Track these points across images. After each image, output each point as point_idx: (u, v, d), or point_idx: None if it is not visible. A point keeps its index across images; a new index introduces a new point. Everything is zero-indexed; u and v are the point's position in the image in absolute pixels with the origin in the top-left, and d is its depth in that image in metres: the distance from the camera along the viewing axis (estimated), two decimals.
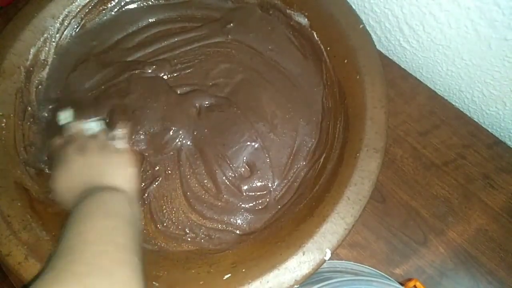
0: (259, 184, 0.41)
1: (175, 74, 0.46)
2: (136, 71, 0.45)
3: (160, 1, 0.51)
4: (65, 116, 0.41)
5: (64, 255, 0.27)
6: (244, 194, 0.41)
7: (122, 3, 0.50)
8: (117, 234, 0.29)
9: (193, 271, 0.35)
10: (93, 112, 0.42)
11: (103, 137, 0.38)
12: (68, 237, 0.28)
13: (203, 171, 0.42)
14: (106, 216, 0.30)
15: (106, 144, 0.37)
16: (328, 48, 0.45)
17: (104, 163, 0.36)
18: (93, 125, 0.39)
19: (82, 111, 0.42)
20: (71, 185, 0.35)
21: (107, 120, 0.42)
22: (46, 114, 0.45)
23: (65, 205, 0.35)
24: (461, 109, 0.52)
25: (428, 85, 0.53)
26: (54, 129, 0.42)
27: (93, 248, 0.27)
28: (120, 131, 0.39)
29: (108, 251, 0.27)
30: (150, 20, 0.50)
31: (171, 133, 0.42)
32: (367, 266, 0.41)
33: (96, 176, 0.34)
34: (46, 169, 0.42)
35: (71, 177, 0.35)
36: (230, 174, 0.41)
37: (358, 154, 0.36)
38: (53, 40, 0.47)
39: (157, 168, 0.42)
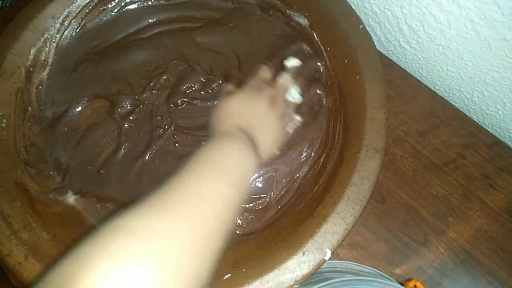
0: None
1: None
2: None
3: (160, 1, 0.51)
4: (293, 62, 0.44)
5: (167, 197, 0.25)
6: None
7: (122, 4, 0.50)
8: (228, 207, 0.28)
9: None
10: (305, 85, 0.43)
11: (290, 110, 0.40)
12: (184, 173, 0.27)
13: None
14: (228, 182, 0.29)
15: (288, 116, 0.39)
16: (328, 49, 0.45)
17: (273, 128, 0.37)
18: (297, 95, 0.41)
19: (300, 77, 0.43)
20: (240, 110, 0.36)
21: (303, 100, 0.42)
22: (51, 114, 0.44)
23: (216, 119, 0.37)
24: (461, 109, 0.52)
25: (428, 85, 0.53)
26: (56, 127, 0.43)
27: (192, 210, 0.25)
28: (301, 122, 0.41)
29: (218, 221, 0.26)
30: (150, 20, 0.50)
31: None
32: (367, 266, 0.41)
33: (258, 130, 0.35)
34: (47, 169, 0.42)
35: (244, 110, 0.37)
36: None
37: (358, 154, 0.36)
38: (54, 40, 0.47)
39: None
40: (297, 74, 0.43)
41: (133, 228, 0.22)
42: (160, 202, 0.25)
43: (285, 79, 0.41)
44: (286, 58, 0.44)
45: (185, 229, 0.23)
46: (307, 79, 0.43)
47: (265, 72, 0.42)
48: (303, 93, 0.42)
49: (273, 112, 0.37)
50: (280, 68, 0.43)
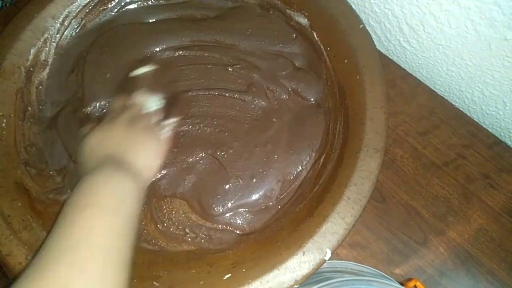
0: None
1: None
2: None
3: (160, 1, 0.51)
4: (144, 70, 0.43)
5: (54, 246, 0.26)
6: None
7: (122, 3, 0.50)
8: (124, 236, 0.29)
9: (193, 271, 0.35)
10: (161, 90, 0.42)
11: (153, 119, 0.39)
12: (72, 222, 0.28)
13: None
14: (118, 211, 0.29)
15: (152, 128, 0.38)
16: (328, 48, 0.45)
17: (139, 144, 0.36)
18: (153, 105, 0.40)
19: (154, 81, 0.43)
20: (101, 144, 0.36)
21: (165, 103, 0.42)
22: (49, 114, 0.44)
23: (82, 162, 0.36)
24: (461, 109, 0.52)
25: (428, 85, 0.53)
26: (56, 127, 0.43)
27: (83, 250, 0.26)
28: (171, 124, 0.40)
29: (97, 254, 0.26)
30: (150, 20, 0.50)
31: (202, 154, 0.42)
32: (367, 266, 0.41)
33: (125, 151, 0.35)
34: (47, 169, 0.42)
35: (105, 139, 0.36)
36: None
37: (358, 154, 0.36)
38: (54, 40, 0.47)
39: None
40: (150, 82, 0.42)
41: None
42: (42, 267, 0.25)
43: (138, 95, 0.41)
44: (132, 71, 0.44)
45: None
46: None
47: (117, 102, 0.41)
48: None
49: (134, 129, 0.37)
50: (131, 90, 0.42)
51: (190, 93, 0.44)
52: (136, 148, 0.36)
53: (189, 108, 0.43)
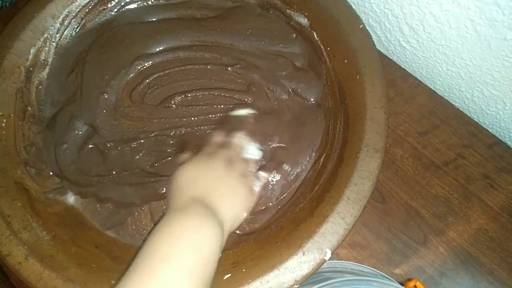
0: None
1: None
2: None
3: (160, 1, 0.51)
4: (245, 112, 0.42)
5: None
6: None
7: (122, 3, 0.50)
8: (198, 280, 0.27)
9: None
10: (259, 139, 0.40)
11: (251, 168, 0.37)
12: (135, 272, 0.27)
13: None
14: (196, 259, 0.27)
15: (249, 176, 0.36)
16: (328, 48, 0.45)
17: (233, 190, 0.34)
18: (255, 152, 0.38)
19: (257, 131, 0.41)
20: (195, 182, 0.33)
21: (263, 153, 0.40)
22: (49, 114, 0.44)
23: (172, 194, 0.33)
24: (461, 109, 0.52)
25: (428, 85, 0.53)
26: (56, 127, 0.43)
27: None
28: (268, 178, 0.38)
29: None
30: (150, 20, 0.50)
31: None
32: (367, 266, 0.41)
33: (217, 198, 0.32)
34: (47, 170, 0.42)
35: (201, 177, 0.34)
36: None
37: (358, 154, 0.36)
38: (53, 40, 0.47)
39: None
40: (252, 128, 0.40)
41: None
42: None
43: (238, 137, 0.39)
44: (232, 110, 0.43)
45: None
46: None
47: (216, 136, 0.39)
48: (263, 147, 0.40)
49: (232, 174, 0.35)
50: (232, 129, 0.40)
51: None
52: (230, 196, 0.34)
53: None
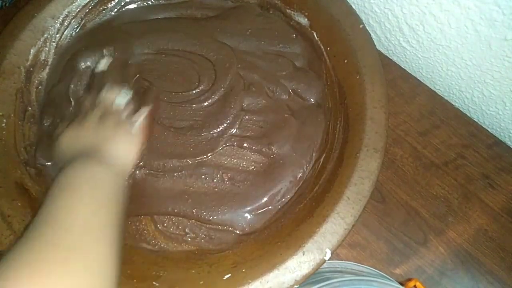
0: None
1: None
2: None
3: (160, 1, 0.51)
4: (105, 63, 0.44)
5: (45, 228, 0.28)
6: None
7: (122, 3, 0.50)
8: (103, 213, 0.30)
9: (193, 271, 0.35)
10: (127, 82, 0.42)
11: (124, 113, 0.39)
12: (53, 205, 0.30)
13: None
14: (94, 190, 0.31)
15: (123, 123, 0.39)
16: (328, 48, 0.45)
17: (110, 139, 0.37)
18: (122, 100, 0.40)
19: (118, 74, 0.43)
20: (74, 142, 0.37)
21: (133, 94, 0.42)
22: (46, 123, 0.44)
23: (59, 159, 0.37)
24: (461, 109, 0.52)
25: (428, 85, 0.53)
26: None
27: (76, 229, 0.28)
28: (142, 116, 0.40)
29: (91, 233, 0.28)
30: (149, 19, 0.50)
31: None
32: (367, 266, 0.41)
33: (99, 145, 0.36)
34: (47, 167, 0.42)
35: (78, 138, 0.37)
36: None
37: (358, 154, 0.36)
38: (53, 40, 0.47)
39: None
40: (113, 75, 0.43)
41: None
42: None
43: (103, 93, 0.40)
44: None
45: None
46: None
47: (86, 100, 0.41)
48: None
49: (105, 127, 0.37)
50: (98, 85, 0.42)
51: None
52: (107, 144, 0.36)
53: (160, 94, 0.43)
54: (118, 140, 0.37)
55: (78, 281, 0.25)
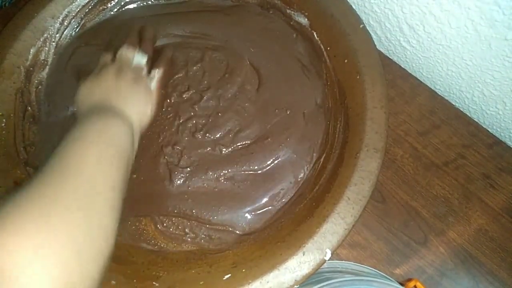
0: None
1: None
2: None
3: (160, 1, 0.51)
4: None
5: (52, 182, 0.26)
6: None
7: (122, 3, 0.50)
8: (111, 174, 0.29)
9: (193, 271, 0.35)
10: (147, 45, 0.43)
11: (142, 71, 0.40)
12: (64, 156, 0.29)
13: None
14: (106, 145, 0.31)
15: (141, 78, 0.39)
16: (328, 48, 0.44)
17: (128, 92, 0.37)
18: (140, 58, 0.41)
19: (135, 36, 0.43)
20: (92, 93, 0.37)
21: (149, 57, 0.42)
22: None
23: (76, 112, 0.37)
24: (462, 109, 0.52)
25: (428, 85, 0.53)
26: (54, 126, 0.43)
27: (81, 190, 0.27)
28: (158, 75, 0.41)
29: (96, 196, 0.27)
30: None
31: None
32: (367, 266, 0.41)
33: (116, 99, 0.36)
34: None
35: (96, 88, 0.37)
36: None
37: (358, 154, 0.36)
38: (53, 40, 0.47)
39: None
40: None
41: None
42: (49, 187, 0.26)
43: (122, 52, 0.41)
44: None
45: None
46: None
47: (105, 56, 0.42)
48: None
49: (125, 79, 0.38)
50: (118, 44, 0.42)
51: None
52: (125, 96, 0.37)
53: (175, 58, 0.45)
54: (137, 93, 0.38)
55: (74, 242, 0.24)
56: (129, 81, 0.38)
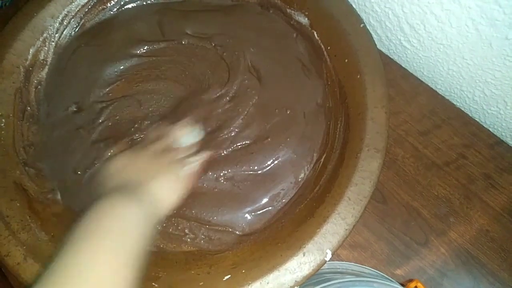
0: None
1: None
2: None
3: (160, 0, 0.51)
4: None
5: (62, 277, 0.26)
6: None
7: (122, 3, 0.50)
8: (123, 272, 0.28)
9: (192, 272, 0.35)
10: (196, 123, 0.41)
11: (180, 154, 0.38)
12: (75, 250, 0.28)
13: None
14: (121, 238, 0.29)
15: (176, 163, 0.37)
16: (329, 48, 0.44)
17: (158, 176, 0.36)
18: (189, 139, 0.39)
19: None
20: (123, 170, 0.36)
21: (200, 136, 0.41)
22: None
23: (102, 183, 0.35)
24: (462, 109, 0.52)
25: (429, 84, 0.53)
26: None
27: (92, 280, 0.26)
28: (200, 161, 0.39)
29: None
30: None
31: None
32: (368, 267, 0.41)
33: (144, 181, 0.34)
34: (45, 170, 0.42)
35: (130, 164, 0.36)
36: None
37: (358, 154, 0.36)
38: (53, 39, 0.47)
39: None
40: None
41: None
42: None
43: (172, 129, 0.40)
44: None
45: None
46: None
47: (154, 131, 0.41)
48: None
49: (159, 163, 0.36)
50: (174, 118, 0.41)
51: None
52: (152, 181, 0.35)
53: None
54: (163, 179, 0.36)
55: None
56: (163, 165, 0.36)
